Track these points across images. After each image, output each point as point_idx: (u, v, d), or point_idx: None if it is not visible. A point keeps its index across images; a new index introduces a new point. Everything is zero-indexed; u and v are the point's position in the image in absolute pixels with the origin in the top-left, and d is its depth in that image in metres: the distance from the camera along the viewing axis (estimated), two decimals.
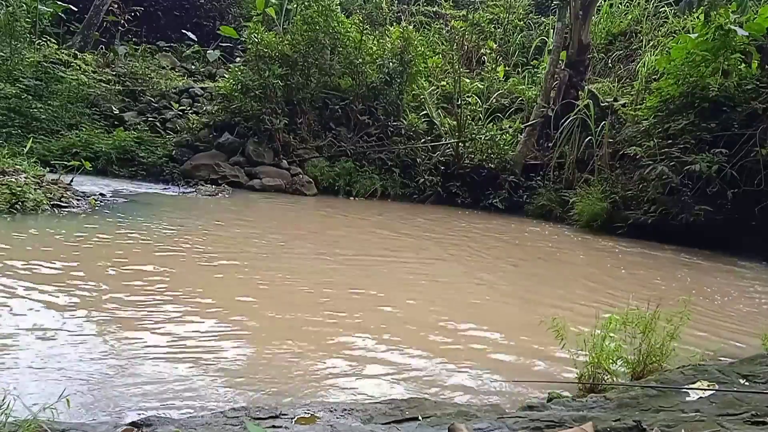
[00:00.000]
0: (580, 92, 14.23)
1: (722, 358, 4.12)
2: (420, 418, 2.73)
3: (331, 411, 2.79)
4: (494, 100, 16.49)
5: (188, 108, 15.22)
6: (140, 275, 5.18)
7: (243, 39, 14.80)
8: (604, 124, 12.88)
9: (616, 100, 13.91)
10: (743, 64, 10.73)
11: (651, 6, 17.43)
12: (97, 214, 8.13)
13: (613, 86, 15.39)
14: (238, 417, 2.61)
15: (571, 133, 13.71)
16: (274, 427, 2.54)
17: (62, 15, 17.12)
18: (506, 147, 14.74)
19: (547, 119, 14.44)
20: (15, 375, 3.05)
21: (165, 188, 12.15)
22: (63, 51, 15.40)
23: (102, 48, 17.37)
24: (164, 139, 14.00)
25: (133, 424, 2.52)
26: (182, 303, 4.57)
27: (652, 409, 2.76)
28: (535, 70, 18.11)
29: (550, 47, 15.69)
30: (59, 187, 8.84)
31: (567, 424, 2.58)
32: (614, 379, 3.41)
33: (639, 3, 17.94)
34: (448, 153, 14.86)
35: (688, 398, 2.88)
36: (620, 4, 18.53)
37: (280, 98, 14.12)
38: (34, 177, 8.67)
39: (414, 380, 3.54)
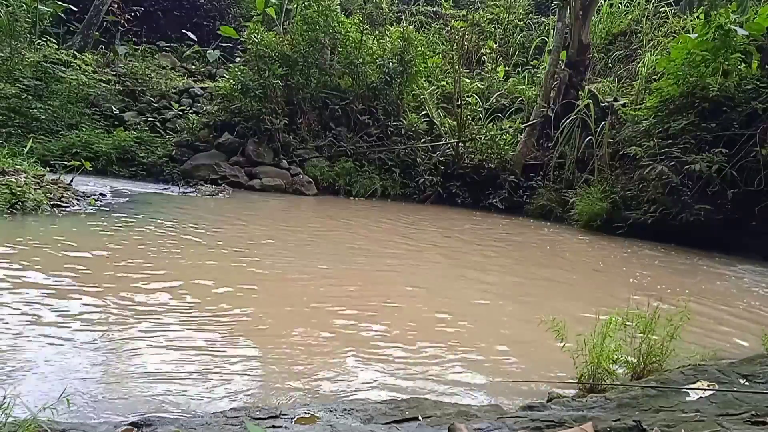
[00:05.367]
0: (580, 92, 14.23)
1: (722, 359, 4.11)
2: (420, 418, 2.73)
3: (331, 411, 2.79)
4: (494, 100, 16.51)
5: (188, 108, 15.22)
6: (141, 275, 5.18)
7: (243, 39, 14.81)
8: (604, 124, 12.88)
9: (616, 100, 13.91)
10: (743, 64, 10.72)
11: (651, 6, 17.44)
12: (98, 214, 8.13)
13: (613, 86, 15.40)
14: (238, 417, 2.61)
15: (571, 133, 13.72)
16: (274, 427, 2.54)
17: (62, 15, 17.11)
18: (506, 147, 14.76)
19: (547, 119, 14.45)
20: (15, 375, 3.05)
21: (165, 188, 12.16)
22: (63, 51, 15.38)
23: (102, 48, 17.37)
24: (164, 139, 14.02)
25: (133, 424, 2.52)
26: (183, 303, 4.57)
27: (652, 409, 2.76)
28: (535, 70, 18.13)
29: (550, 47, 15.70)
30: (59, 187, 8.84)
31: (567, 424, 2.58)
32: (614, 379, 3.41)
33: (639, 3, 17.96)
34: (448, 153, 14.87)
35: (688, 398, 2.89)
36: (620, 4, 18.54)
37: (280, 98, 14.13)
38: (34, 177, 8.67)
39: (414, 380, 3.54)
